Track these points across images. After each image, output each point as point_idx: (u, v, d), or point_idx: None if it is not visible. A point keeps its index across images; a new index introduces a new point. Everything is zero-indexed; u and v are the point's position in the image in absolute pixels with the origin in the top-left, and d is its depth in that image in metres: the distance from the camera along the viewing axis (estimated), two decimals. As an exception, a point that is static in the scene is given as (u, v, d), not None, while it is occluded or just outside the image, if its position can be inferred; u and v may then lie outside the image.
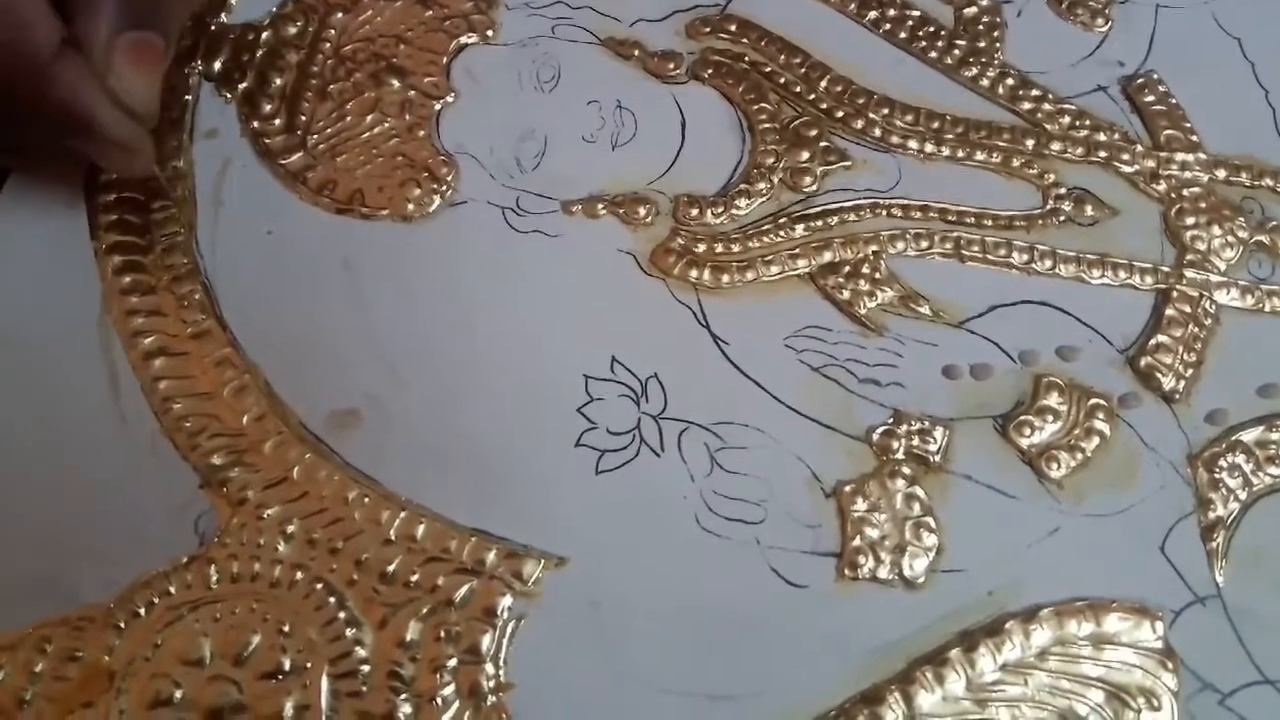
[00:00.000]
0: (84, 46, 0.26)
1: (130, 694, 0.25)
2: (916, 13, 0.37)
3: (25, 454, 0.27)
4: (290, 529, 0.27)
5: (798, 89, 0.35)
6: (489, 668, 0.26)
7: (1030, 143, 0.35)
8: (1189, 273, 0.33)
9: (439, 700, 0.25)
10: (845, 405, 0.30)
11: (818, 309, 0.31)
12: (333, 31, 0.34)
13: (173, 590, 0.26)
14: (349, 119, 0.32)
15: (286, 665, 0.25)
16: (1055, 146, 0.35)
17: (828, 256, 0.32)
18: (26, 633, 0.25)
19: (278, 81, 0.33)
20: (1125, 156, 0.35)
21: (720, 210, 0.32)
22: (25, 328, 0.28)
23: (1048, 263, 0.33)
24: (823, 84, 0.35)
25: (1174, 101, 0.36)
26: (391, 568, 0.27)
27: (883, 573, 0.28)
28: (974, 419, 0.30)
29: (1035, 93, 0.36)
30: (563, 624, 0.26)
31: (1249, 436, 0.31)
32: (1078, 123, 0.35)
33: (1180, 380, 0.31)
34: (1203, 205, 0.34)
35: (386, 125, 0.32)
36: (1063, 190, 0.34)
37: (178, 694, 0.25)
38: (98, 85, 0.26)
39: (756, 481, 0.29)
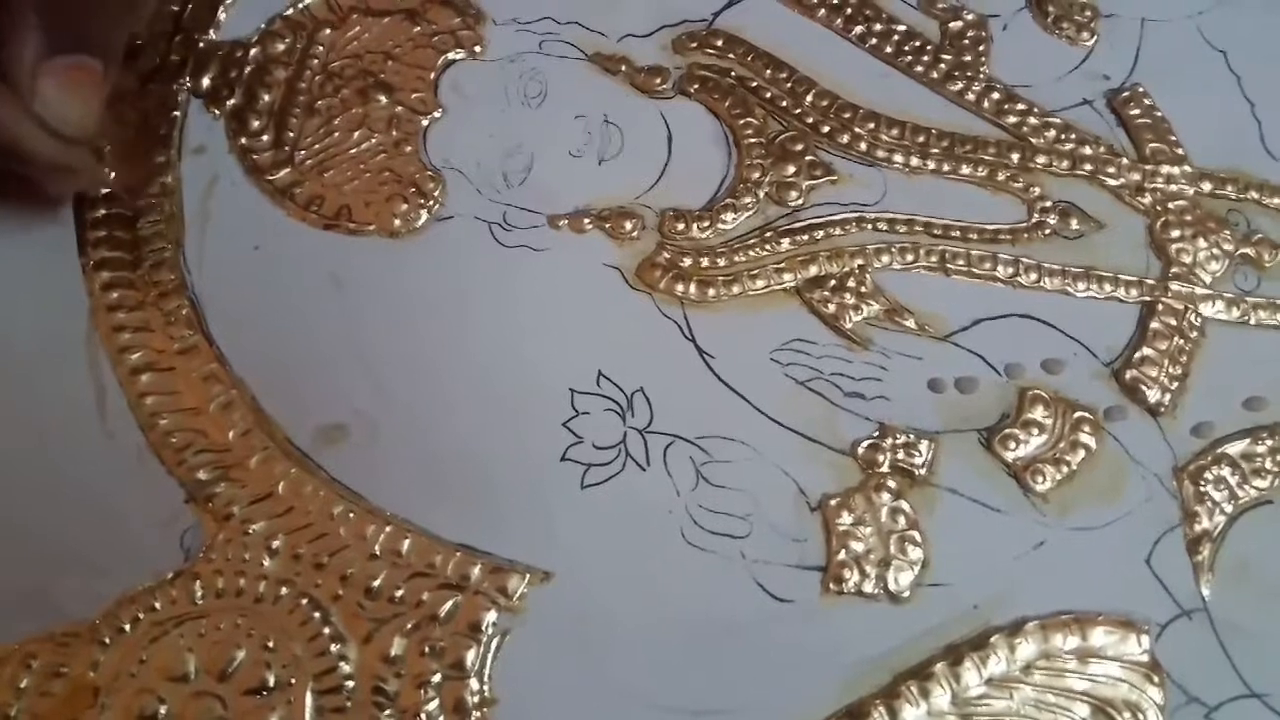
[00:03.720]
0: (8, 73, 0.26)
1: (114, 710, 0.25)
2: (902, 27, 0.37)
3: (11, 468, 0.27)
4: (276, 544, 0.27)
5: (784, 103, 0.35)
6: (473, 683, 0.26)
7: (1015, 156, 0.35)
8: (1174, 285, 0.33)
9: (423, 716, 0.25)
10: (830, 419, 0.30)
11: (803, 323, 0.31)
12: (321, 48, 0.34)
13: (158, 605, 0.26)
14: (337, 135, 0.32)
15: (271, 681, 0.25)
16: (1040, 160, 0.35)
17: (813, 270, 0.32)
18: (12, 648, 0.25)
19: (266, 98, 0.33)
20: (1111, 170, 0.35)
21: (706, 224, 0.32)
22: (12, 343, 0.29)
23: (1033, 276, 0.33)
24: (809, 98, 0.35)
25: (1159, 115, 0.36)
26: (376, 583, 0.27)
27: (868, 586, 0.28)
28: (959, 432, 0.30)
29: (1021, 106, 0.36)
30: (548, 639, 0.26)
31: (1235, 449, 0.31)
32: (1063, 136, 0.35)
33: (1166, 393, 0.31)
34: (1188, 218, 0.34)
35: (374, 141, 0.33)
36: (1048, 203, 0.34)
37: (162, 710, 0.25)
38: (24, 112, 0.26)
39: (742, 495, 0.29)
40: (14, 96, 0.26)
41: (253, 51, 0.33)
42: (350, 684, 0.25)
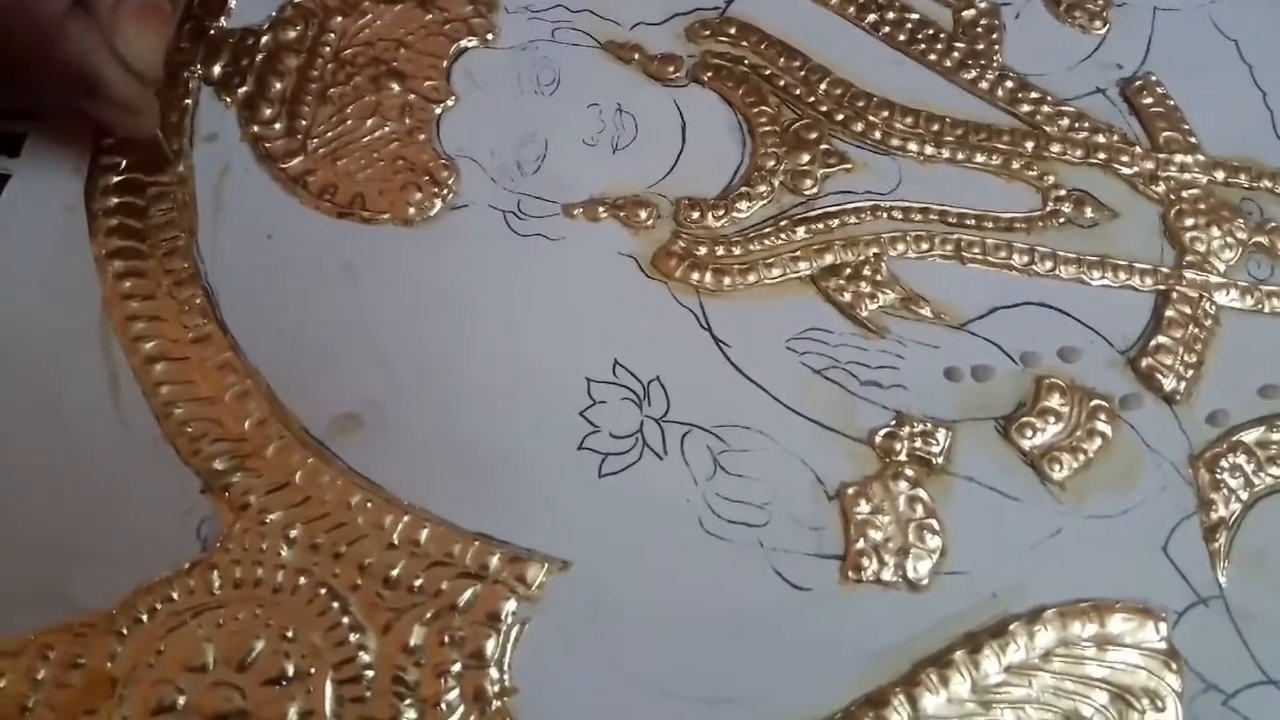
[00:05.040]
0: (91, 7, 0.27)
1: (133, 701, 0.24)
2: (915, 15, 0.37)
3: (26, 460, 0.27)
4: (293, 534, 0.27)
5: (798, 92, 0.35)
6: (493, 672, 0.26)
7: (1030, 145, 0.35)
8: (1189, 274, 0.33)
9: (443, 705, 0.25)
10: (848, 407, 0.30)
11: (819, 311, 0.31)
12: (332, 35, 0.34)
13: (175, 596, 0.26)
14: (349, 123, 0.32)
15: (290, 671, 0.25)
16: (1055, 148, 0.35)
17: (829, 259, 0.32)
18: (29, 640, 0.25)
19: (278, 85, 0.32)
20: (1124, 158, 0.35)
21: (721, 213, 0.32)
22: (26, 333, 0.28)
23: (1048, 264, 0.33)
24: (822, 87, 0.35)
25: (1172, 103, 0.36)
26: (395, 572, 0.26)
27: (886, 575, 0.28)
28: (976, 421, 0.30)
29: (1034, 95, 0.36)
30: (566, 628, 0.26)
31: (1250, 437, 0.31)
32: (1077, 125, 0.35)
33: (1181, 381, 0.31)
34: (1202, 206, 0.34)
35: (387, 129, 0.32)
36: (1062, 192, 0.34)
37: (180, 701, 0.25)
38: (105, 46, 0.27)
39: (759, 484, 0.29)
40: (97, 29, 0.27)
41: (264, 39, 0.33)
42: (370, 674, 0.25)
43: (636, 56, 0.35)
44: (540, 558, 0.27)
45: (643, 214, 0.32)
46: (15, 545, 0.26)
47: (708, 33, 0.35)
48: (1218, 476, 0.30)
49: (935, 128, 0.35)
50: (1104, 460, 0.30)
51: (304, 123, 0.32)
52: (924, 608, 0.28)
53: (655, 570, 0.27)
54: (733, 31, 0.35)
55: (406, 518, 0.27)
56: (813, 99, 0.35)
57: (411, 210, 0.31)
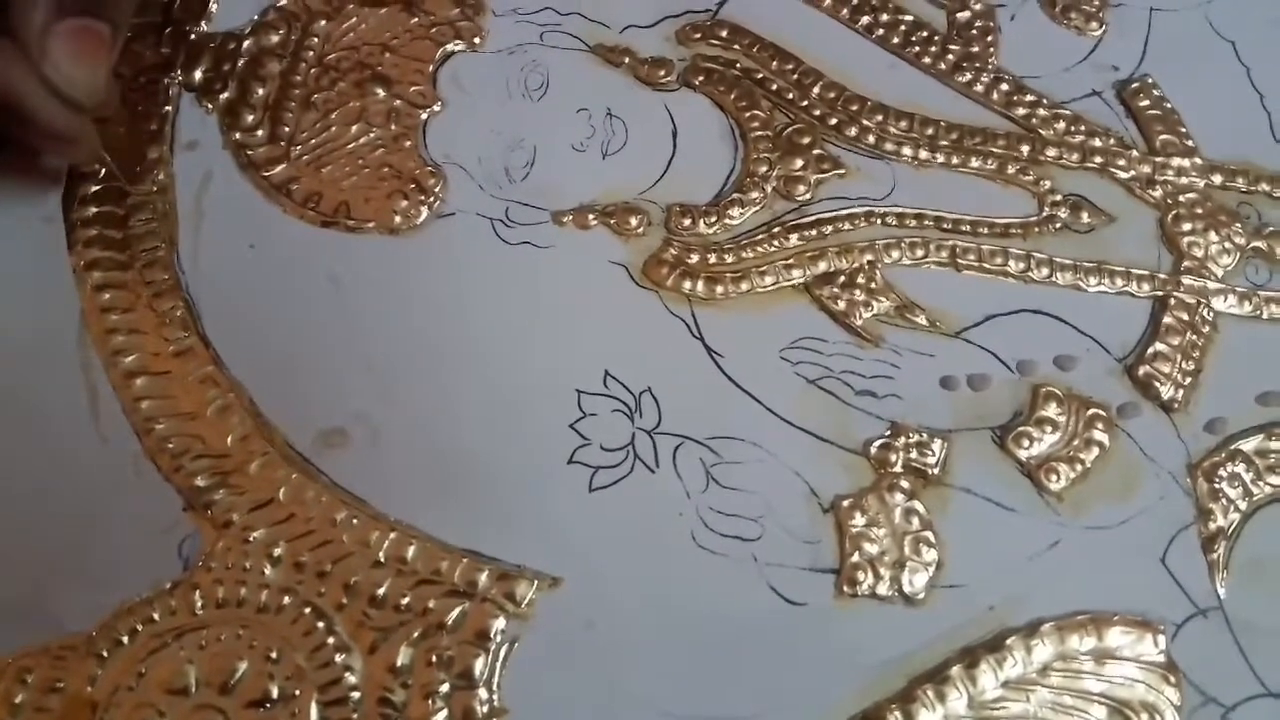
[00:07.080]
0: (18, 34, 0.26)
1: (113, 725, 0.24)
2: (909, 17, 0.36)
3: (3, 477, 0.26)
4: (277, 552, 0.26)
5: (790, 96, 0.34)
6: (482, 692, 0.25)
7: (1025, 148, 0.34)
8: (1186, 279, 0.33)
9: (431, 727, 0.25)
10: (842, 418, 0.30)
11: (813, 320, 0.31)
12: (315, 40, 0.33)
13: (156, 617, 0.25)
14: (333, 129, 0.32)
15: (275, 693, 0.25)
16: (1050, 152, 0.34)
17: (822, 266, 0.32)
18: (6, 662, 0.24)
19: (260, 91, 0.32)
20: (1121, 162, 0.35)
21: (713, 220, 0.32)
22: (2, 347, 0.28)
23: (1044, 271, 0.32)
24: (815, 90, 0.34)
25: (1169, 106, 0.36)
26: (381, 591, 0.26)
27: (882, 589, 0.27)
28: (972, 430, 0.30)
29: (1030, 98, 0.35)
30: (557, 646, 0.26)
31: (1249, 445, 0.31)
32: (1073, 128, 0.35)
33: (1179, 389, 0.31)
34: (1199, 211, 0.34)
35: (372, 135, 0.32)
36: (1059, 197, 0.34)
37: (162, 724, 0.24)
38: (31, 74, 0.26)
39: (753, 497, 0.28)
40: (23, 56, 0.26)
41: (246, 43, 0.33)
42: (356, 695, 0.25)
43: (626, 60, 0.34)
44: (530, 574, 0.27)
45: (633, 221, 0.31)
46: (-8, 565, 0.25)
47: (699, 36, 0.35)
48: (1216, 486, 0.30)
49: (930, 132, 0.34)
50: (1101, 470, 0.30)
51: (287, 129, 0.31)
52: (920, 622, 0.27)
53: (647, 586, 0.27)
54: (724, 34, 0.35)
55: (393, 534, 0.27)
56: (805, 103, 0.34)
57: (397, 219, 0.31)
